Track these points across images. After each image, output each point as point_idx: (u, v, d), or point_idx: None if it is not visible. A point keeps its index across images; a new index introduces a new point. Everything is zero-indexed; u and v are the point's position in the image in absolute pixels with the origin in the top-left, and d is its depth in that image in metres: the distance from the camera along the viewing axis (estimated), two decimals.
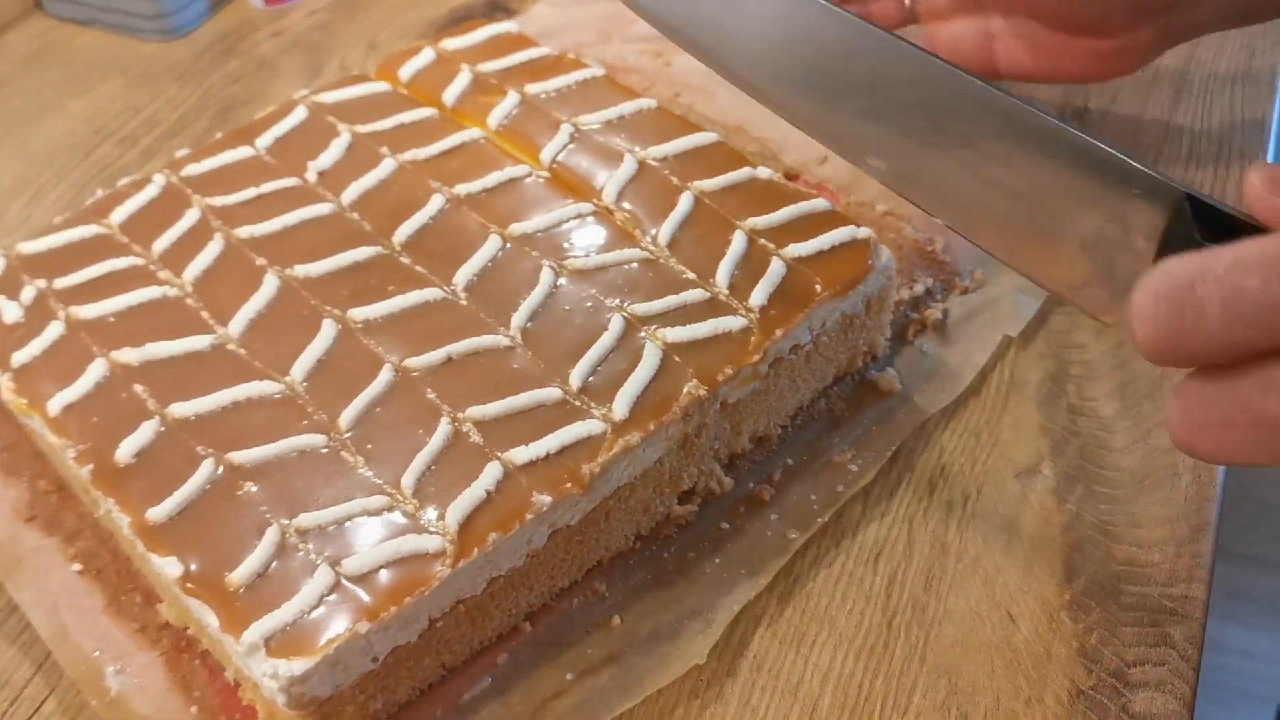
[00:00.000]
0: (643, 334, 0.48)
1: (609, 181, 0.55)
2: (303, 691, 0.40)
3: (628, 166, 0.56)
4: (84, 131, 0.73)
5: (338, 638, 0.40)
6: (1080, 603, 0.47)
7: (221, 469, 0.45)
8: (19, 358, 0.49)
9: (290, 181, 0.57)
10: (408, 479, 0.44)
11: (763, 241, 0.52)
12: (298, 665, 0.39)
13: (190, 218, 0.55)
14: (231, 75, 0.77)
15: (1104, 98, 0.70)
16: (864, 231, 0.52)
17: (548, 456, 0.44)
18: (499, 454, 0.44)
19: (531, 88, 0.61)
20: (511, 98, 0.60)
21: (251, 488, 0.44)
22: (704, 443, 0.49)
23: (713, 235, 0.52)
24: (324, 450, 0.45)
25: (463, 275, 0.51)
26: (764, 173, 0.56)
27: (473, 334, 0.49)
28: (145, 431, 0.46)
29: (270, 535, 0.42)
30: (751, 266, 0.51)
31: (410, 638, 0.42)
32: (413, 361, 0.48)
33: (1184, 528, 0.49)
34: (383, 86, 0.62)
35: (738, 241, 0.52)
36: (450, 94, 0.61)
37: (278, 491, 0.44)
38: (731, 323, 0.49)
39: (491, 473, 0.44)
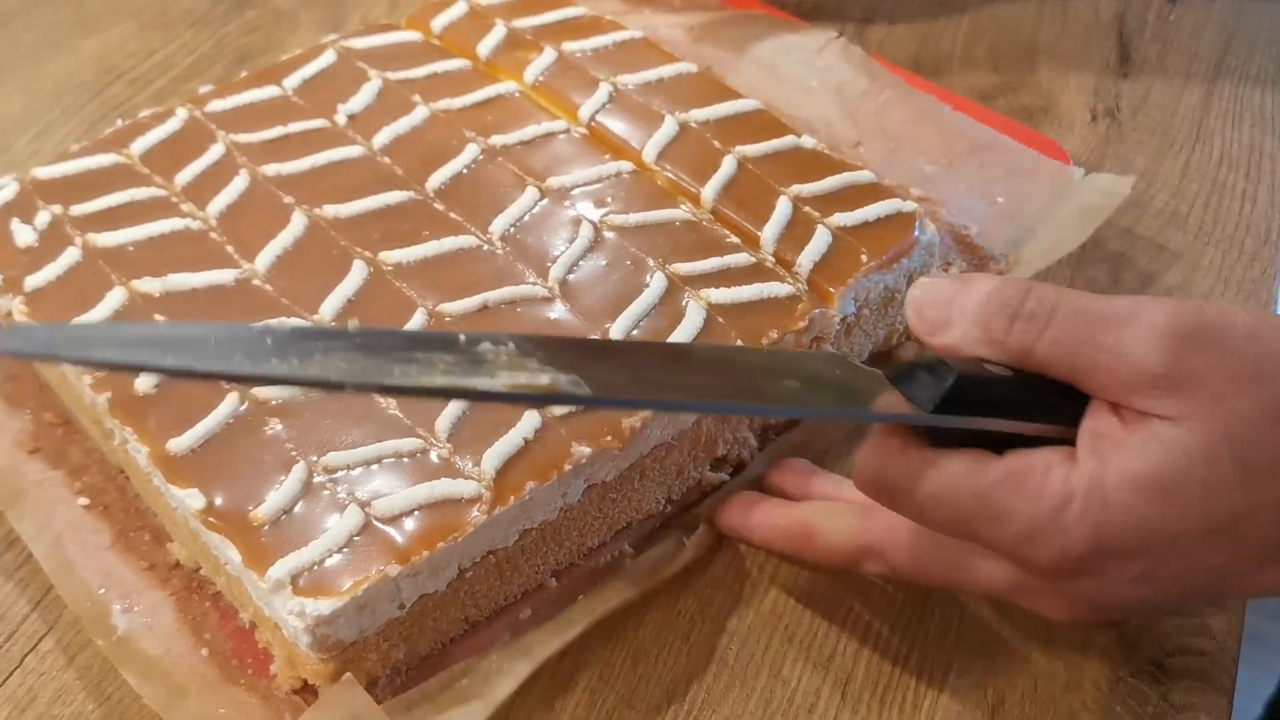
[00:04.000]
0: (686, 294, 0.47)
1: (650, 142, 0.54)
2: (328, 633, 0.38)
3: (668, 128, 0.54)
4: (94, 70, 0.70)
5: (367, 579, 0.38)
6: None
7: (246, 404, 0.43)
8: (32, 281, 0.47)
9: (318, 123, 0.55)
10: (442, 423, 0.42)
11: (807, 209, 0.51)
12: (325, 605, 0.37)
13: (214, 153, 0.53)
14: (249, 24, 0.75)
15: (1135, 98, 0.70)
16: (909, 205, 0.51)
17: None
18: None
19: (569, 45, 0.59)
20: (548, 54, 0.59)
21: (277, 425, 0.42)
22: None
23: (756, 200, 0.51)
24: None
25: (499, 224, 0.50)
26: (808, 141, 0.55)
27: (509, 283, 0.47)
28: None
29: (297, 472, 0.40)
30: (796, 233, 0.50)
31: (439, 586, 0.40)
32: (447, 307, 0.46)
33: None
34: (414, 36, 0.61)
35: (782, 207, 0.50)
36: (485, 47, 0.59)
37: (305, 429, 0.42)
38: (778, 288, 0.47)
39: (530, 421, 0.42)
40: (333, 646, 0.38)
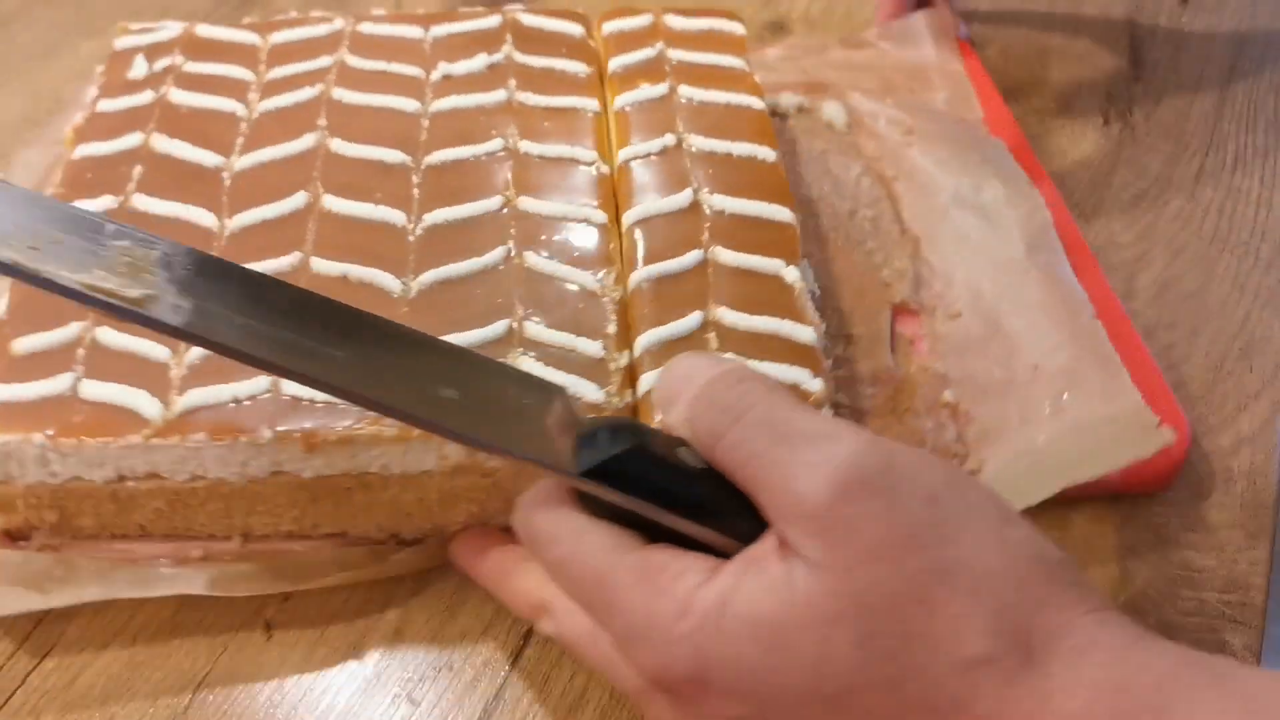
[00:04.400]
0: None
1: (636, 209, 0.50)
2: None
3: (675, 201, 0.50)
4: (95, 72, 0.69)
5: (13, 433, 0.42)
6: (1136, 606, 0.46)
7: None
8: (83, 150, 0.54)
9: (414, 71, 0.57)
10: (193, 354, 0.44)
11: (711, 335, 0.45)
12: None
13: (319, 62, 0.58)
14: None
15: (1147, 102, 0.69)
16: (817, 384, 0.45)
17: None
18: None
19: (685, 90, 0.56)
20: (656, 89, 0.56)
21: None
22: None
23: (678, 306, 0.46)
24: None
25: (437, 215, 0.50)
26: (792, 275, 0.48)
27: (388, 269, 0.47)
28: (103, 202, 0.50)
29: (73, 329, 0.45)
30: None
31: (94, 477, 0.43)
32: (317, 264, 0.48)
33: (1241, 534, 0.48)
34: (576, 29, 0.60)
35: (690, 320, 0.46)
36: (619, 62, 0.58)
37: None
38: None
39: (257, 384, 0.43)
40: None
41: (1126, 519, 0.48)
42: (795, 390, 0.43)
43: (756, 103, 0.56)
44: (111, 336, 0.45)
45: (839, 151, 0.63)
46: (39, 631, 0.44)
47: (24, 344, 0.45)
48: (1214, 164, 0.65)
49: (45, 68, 0.71)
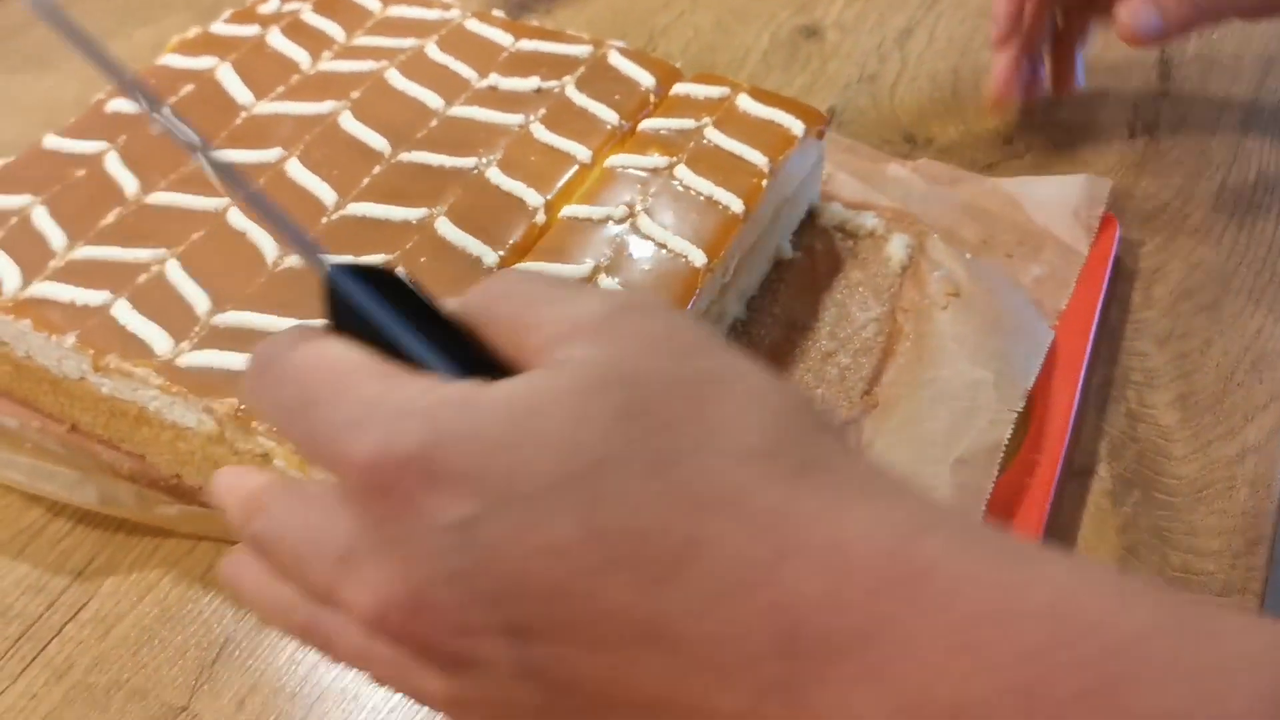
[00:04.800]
0: None
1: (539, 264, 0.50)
2: None
3: (570, 268, 0.49)
4: (149, 59, 0.71)
5: None
6: None
7: None
8: (216, 28, 0.63)
9: (469, 74, 0.59)
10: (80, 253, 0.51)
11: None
12: None
13: (404, 42, 0.61)
14: None
15: (1174, 116, 0.70)
16: None
17: None
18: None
19: (680, 171, 0.54)
20: (655, 161, 0.54)
21: None
22: None
23: None
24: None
25: (357, 208, 0.52)
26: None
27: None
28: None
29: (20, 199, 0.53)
30: None
31: None
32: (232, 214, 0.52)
33: (1240, 540, 0.49)
34: (648, 81, 0.59)
35: None
36: (650, 125, 0.57)
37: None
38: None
39: (96, 297, 0.48)
40: None
41: (1128, 522, 0.49)
42: None
43: (736, 204, 0.52)
44: (43, 220, 0.51)
45: (873, 290, 0.58)
46: (76, 584, 0.47)
47: None
48: (1236, 180, 0.66)
49: None
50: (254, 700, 0.43)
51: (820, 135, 0.59)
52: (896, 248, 0.60)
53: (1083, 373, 0.54)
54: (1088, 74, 0.70)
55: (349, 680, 0.44)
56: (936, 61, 0.74)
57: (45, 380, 0.50)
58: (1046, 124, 0.68)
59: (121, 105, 0.57)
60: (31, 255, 0.50)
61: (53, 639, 0.45)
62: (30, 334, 0.47)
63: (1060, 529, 0.49)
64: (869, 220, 0.61)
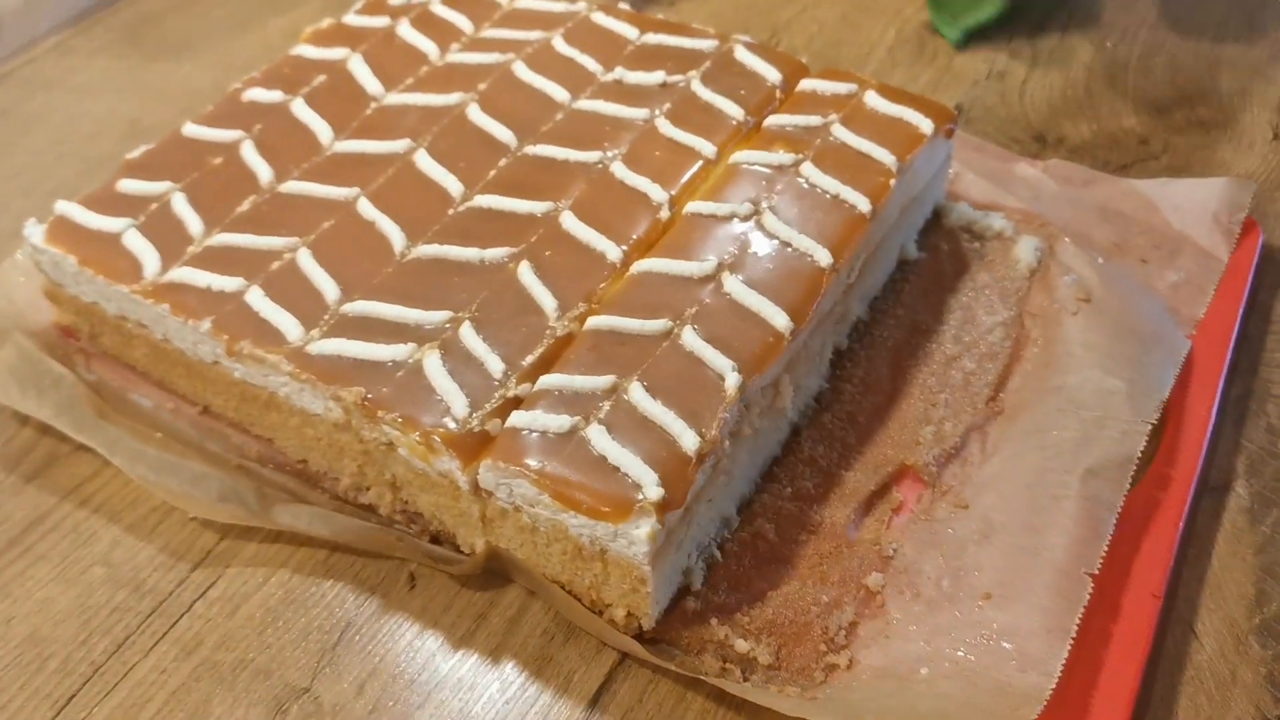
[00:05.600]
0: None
1: (660, 260, 0.49)
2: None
3: (689, 267, 0.49)
4: (283, 47, 0.72)
5: (60, 250, 0.53)
6: (1271, 629, 0.45)
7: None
8: (348, 19, 0.65)
9: (594, 67, 0.60)
10: (215, 240, 0.51)
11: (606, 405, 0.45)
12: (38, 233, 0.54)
13: (530, 35, 0.62)
14: None
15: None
16: None
17: None
18: None
19: (806, 169, 0.53)
20: (782, 158, 0.53)
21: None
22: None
23: (603, 365, 0.46)
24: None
25: (484, 200, 0.53)
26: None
27: (396, 220, 0.52)
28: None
29: (161, 186, 0.55)
30: None
31: (108, 309, 0.53)
32: (362, 204, 0.53)
33: None
34: (774, 77, 0.58)
35: (597, 380, 0.46)
36: (775, 121, 0.56)
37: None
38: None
39: (231, 283, 0.51)
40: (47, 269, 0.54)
41: (1266, 542, 0.47)
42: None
43: (863, 203, 0.51)
44: (182, 207, 0.53)
45: (1000, 293, 0.56)
46: (206, 563, 0.48)
47: (126, 185, 0.53)
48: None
49: (235, 41, 0.75)
50: (373, 685, 0.44)
51: (949, 134, 0.57)
52: (1025, 250, 0.58)
53: (1221, 384, 0.52)
54: (1230, 72, 0.68)
55: (467, 669, 0.45)
56: (1069, 58, 0.72)
57: (180, 363, 0.51)
58: (1185, 124, 0.65)
59: (257, 94, 0.58)
60: (170, 240, 0.51)
61: (183, 615, 0.47)
62: (168, 318, 0.49)
63: (1194, 548, 0.47)
64: (997, 221, 0.59)
